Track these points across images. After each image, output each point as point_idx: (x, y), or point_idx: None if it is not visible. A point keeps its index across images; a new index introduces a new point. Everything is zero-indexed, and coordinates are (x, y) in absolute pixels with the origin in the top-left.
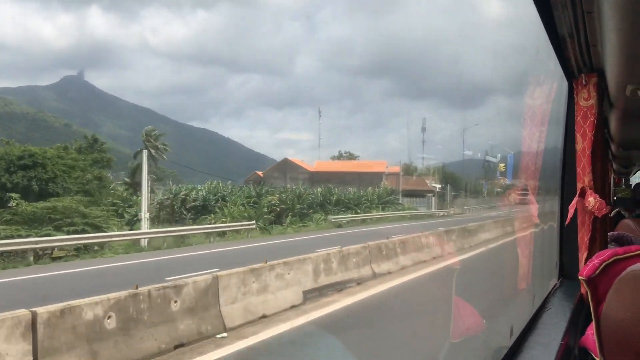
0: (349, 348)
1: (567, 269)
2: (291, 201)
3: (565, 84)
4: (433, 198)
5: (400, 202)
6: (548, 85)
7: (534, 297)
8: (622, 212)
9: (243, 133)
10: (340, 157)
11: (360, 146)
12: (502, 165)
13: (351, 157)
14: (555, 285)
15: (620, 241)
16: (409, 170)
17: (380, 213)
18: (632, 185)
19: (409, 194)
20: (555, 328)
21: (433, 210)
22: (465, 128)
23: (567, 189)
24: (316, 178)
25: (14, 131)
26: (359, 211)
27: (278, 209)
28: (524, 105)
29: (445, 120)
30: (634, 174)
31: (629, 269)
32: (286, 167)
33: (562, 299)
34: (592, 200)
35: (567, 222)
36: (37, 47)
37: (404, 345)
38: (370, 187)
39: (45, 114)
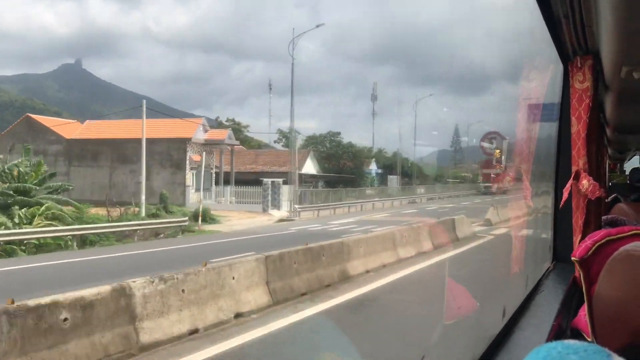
0: None
1: (560, 251)
2: None
3: (560, 66)
4: (283, 188)
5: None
6: (543, 68)
7: (527, 279)
8: (619, 197)
9: (247, 121)
10: (219, 126)
11: (364, 134)
12: (498, 151)
13: (237, 127)
14: (548, 268)
15: (614, 224)
16: (287, 140)
17: None
18: (627, 171)
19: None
20: (547, 310)
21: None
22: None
23: (561, 173)
24: (77, 150)
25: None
26: None
27: None
28: (519, 88)
29: (440, 105)
30: (629, 159)
31: (621, 248)
32: (28, 130)
33: (555, 281)
34: (586, 182)
35: (561, 205)
36: (38, 35)
37: None
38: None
39: (34, 102)
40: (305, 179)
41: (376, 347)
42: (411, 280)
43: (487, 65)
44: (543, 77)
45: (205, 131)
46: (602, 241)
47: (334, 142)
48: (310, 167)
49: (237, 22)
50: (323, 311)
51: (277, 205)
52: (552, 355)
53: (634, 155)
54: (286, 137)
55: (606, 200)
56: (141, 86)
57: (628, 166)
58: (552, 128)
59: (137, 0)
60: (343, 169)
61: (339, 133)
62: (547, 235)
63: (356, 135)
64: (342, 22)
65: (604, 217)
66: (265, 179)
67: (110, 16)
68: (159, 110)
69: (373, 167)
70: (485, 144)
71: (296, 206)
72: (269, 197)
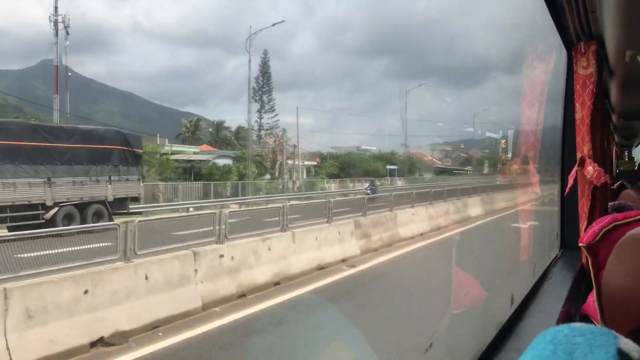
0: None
1: (568, 239)
2: None
3: (564, 53)
4: None
5: None
6: (547, 54)
7: (535, 267)
8: (625, 184)
9: (241, 117)
10: None
11: (360, 128)
12: (504, 141)
13: None
14: (556, 256)
15: (621, 210)
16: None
17: None
18: (634, 158)
19: None
20: (556, 297)
21: None
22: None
23: (567, 160)
24: None
25: None
26: None
27: None
28: (523, 76)
29: (443, 97)
30: (636, 146)
31: (628, 233)
32: None
33: (563, 268)
34: (590, 169)
35: (566, 192)
36: (24, 31)
37: None
38: None
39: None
40: None
41: None
42: None
43: (488, 53)
44: (547, 64)
45: None
46: (609, 226)
47: None
48: None
49: (229, 16)
50: None
51: None
52: (558, 338)
53: None
54: None
55: (612, 187)
56: (130, 82)
57: (636, 152)
58: (557, 115)
59: None
60: None
61: None
62: (554, 223)
63: (349, 129)
64: (337, 15)
65: (610, 203)
66: None
67: (100, 11)
68: (141, 105)
69: None
70: None
71: None
72: None
